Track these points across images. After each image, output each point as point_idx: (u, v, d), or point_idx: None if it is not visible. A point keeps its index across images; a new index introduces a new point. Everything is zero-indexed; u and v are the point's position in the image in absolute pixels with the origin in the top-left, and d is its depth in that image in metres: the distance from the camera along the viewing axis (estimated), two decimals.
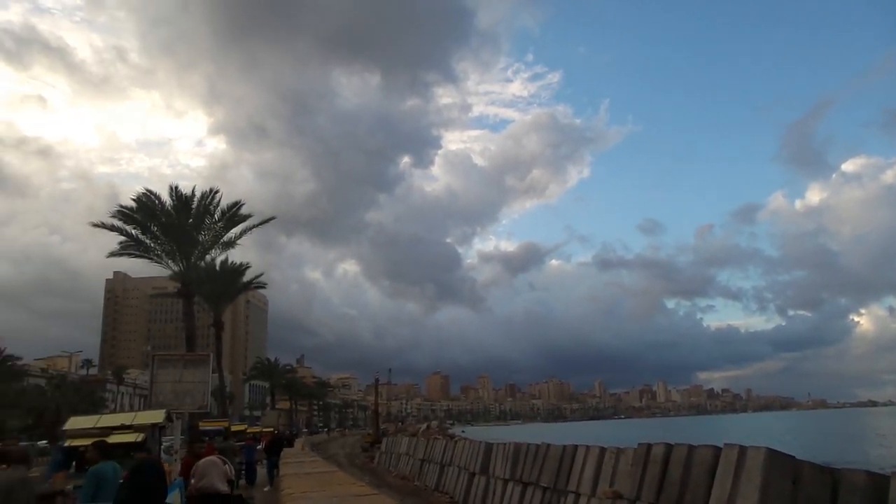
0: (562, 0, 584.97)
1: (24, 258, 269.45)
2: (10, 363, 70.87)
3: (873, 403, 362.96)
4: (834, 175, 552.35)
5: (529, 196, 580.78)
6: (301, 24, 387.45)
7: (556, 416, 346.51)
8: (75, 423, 11.20)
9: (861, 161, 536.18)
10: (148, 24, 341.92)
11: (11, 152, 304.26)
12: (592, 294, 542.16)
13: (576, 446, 12.61)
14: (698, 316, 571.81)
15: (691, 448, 9.34)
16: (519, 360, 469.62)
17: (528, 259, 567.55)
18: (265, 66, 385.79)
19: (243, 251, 50.98)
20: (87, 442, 10.09)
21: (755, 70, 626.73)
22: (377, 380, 68.45)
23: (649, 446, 10.11)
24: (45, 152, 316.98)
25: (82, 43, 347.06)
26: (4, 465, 7.71)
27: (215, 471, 3.60)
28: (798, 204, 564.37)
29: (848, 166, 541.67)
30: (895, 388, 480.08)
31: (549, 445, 13.70)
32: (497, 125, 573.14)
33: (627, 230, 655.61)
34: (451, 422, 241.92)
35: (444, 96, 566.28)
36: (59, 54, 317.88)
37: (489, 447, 17.19)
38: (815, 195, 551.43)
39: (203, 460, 3.96)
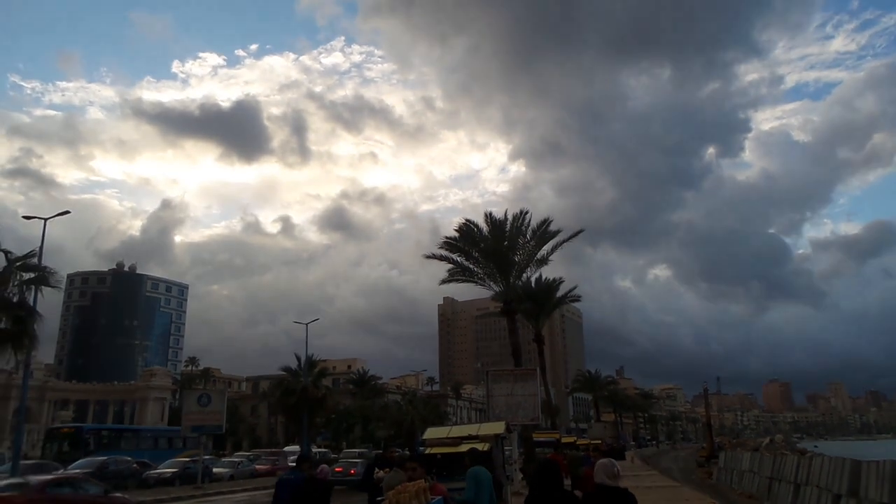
0: None
1: (374, 291, 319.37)
2: (373, 382, 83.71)
3: None
4: None
5: (872, 166, 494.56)
6: (583, 35, 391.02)
7: None
8: (432, 433, 12.64)
9: None
10: (447, 72, 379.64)
11: (356, 204, 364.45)
12: None
13: None
14: None
15: None
16: (882, 363, 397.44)
17: (880, 241, 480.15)
18: (552, 85, 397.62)
19: (553, 266, 52.89)
20: (443, 450, 11.31)
21: None
22: (706, 389, 64.17)
23: None
24: (379, 200, 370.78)
25: (398, 101, 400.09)
26: (387, 469, 9.15)
27: (612, 469, 4.61)
28: None
29: None
30: None
31: None
32: (819, 92, 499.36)
33: None
34: (798, 435, 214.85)
35: (748, 73, 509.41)
36: (382, 115, 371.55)
37: (857, 465, 14.72)
38: None
39: (603, 461, 4.95)
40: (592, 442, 44.94)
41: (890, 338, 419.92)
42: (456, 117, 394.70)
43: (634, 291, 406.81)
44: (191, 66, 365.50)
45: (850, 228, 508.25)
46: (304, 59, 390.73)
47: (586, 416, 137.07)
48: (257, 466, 40.51)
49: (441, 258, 31.48)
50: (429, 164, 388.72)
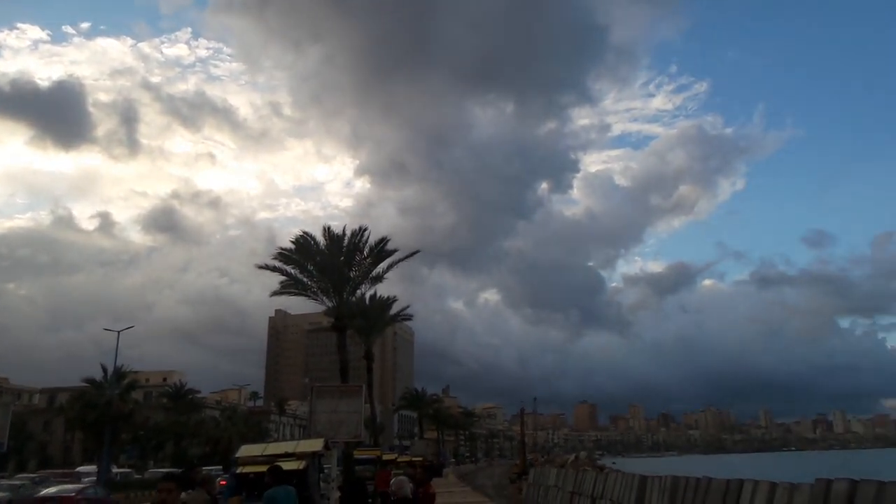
0: (705, 6, 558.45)
1: (200, 300, 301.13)
2: (190, 396, 78.45)
3: None
4: None
5: (676, 214, 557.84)
6: (436, 61, 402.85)
7: (715, 447, 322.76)
8: (245, 451, 12.10)
9: None
10: (298, 80, 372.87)
11: (189, 205, 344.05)
12: (752, 315, 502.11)
13: (741, 480, 11.63)
14: (880, 336, 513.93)
15: (881, 485, 8.29)
16: (673, 388, 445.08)
17: (678, 280, 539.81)
18: (403, 106, 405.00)
19: (389, 285, 53.33)
20: (257, 469, 10.87)
21: None
22: (522, 409, 67.90)
23: (829, 482, 9.10)
24: (214, 203, 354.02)
25: (244, 102, 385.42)
26: (189, 490, 8.57)
27: (407, 486, 5.08)
28: None
29: None
30: None
31: (711, 479, 12.74)
32: (639, 142, 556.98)
33: (790, 243, 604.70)
34: (600, 452, 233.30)
35: (581, 117, 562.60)
36: (225, 115, 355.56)
37: (644, 480, 16.29)
38: None
39: (398, 478, 5.51)
40: (413, 459, 45.49)
41: (680, 367, 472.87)
42: (304, 126, 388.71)
43: (466, 313, 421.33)
44: (5, 37, 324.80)
45: (656, 267, 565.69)
46: (143, 46, 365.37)
47: (411, 434, 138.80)
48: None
49: (274, 269, 30.52)
50: (271, 171, 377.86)
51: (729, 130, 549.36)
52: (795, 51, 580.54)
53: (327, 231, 30.87)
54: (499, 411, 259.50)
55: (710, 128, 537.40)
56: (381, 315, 44.83)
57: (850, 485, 8.71)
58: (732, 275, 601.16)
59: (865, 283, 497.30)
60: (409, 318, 51.90)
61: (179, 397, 76.29)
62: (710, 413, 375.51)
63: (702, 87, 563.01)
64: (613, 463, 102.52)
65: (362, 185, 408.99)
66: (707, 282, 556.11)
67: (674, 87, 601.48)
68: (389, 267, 31.55)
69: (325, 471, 19.20)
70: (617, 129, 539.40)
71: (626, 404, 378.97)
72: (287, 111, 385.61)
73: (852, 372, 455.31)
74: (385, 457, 32.72)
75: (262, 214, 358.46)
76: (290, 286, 31.02)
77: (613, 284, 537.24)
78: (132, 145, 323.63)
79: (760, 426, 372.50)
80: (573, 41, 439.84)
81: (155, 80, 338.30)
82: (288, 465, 10.34)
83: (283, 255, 30.47)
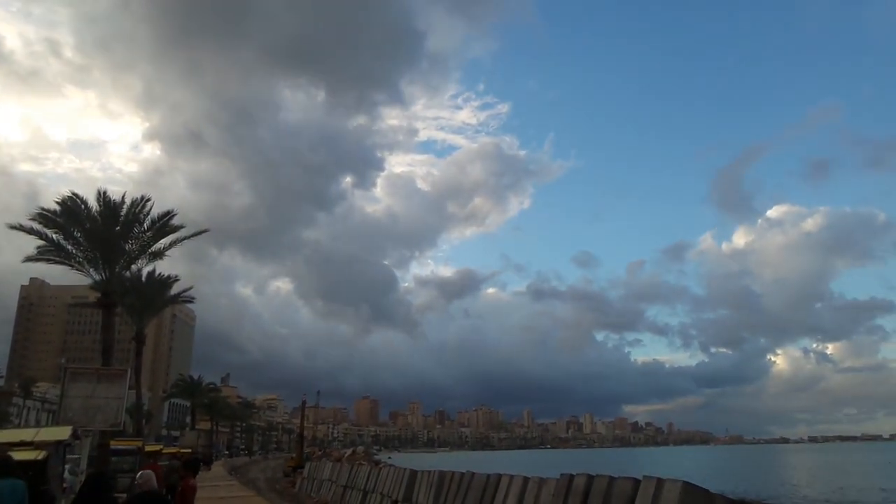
0: (514, 34, 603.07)
1: None
2: None
3: (785, 440, 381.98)
4: (759, 220, 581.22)
5: (469, 223, 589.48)
6: (248, 32, 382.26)
7: (483, 444, 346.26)
8: None
9: (784, 208, 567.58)
10: (85, 20, 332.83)
11: None
12: (525, 323, 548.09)
13: (500, 475, 12.61)
14: (626, 350, 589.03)
15: (611, 480, 9.47)
16: (451, 387, 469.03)
17: (465, 286, 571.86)
18: (206, 72, 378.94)
19: (172, 262, 49.40)
20: None
21: (692, 115, 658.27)
22: (304, 402, 66.86)
23: (571, 477, 10.20)
24: None
25: (14, 33, 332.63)
26: None
27: (153, 479, 4.97)
28: (725, 246, 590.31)
29: (772, 213, 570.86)
30: (807, 426, 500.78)
31: (473, 474, 13.63)
32: (443, 151, 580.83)
33: (562, 262, 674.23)
34: (377, 448, 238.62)
35: (391, 118, 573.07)
36: None
37: (413, 475, 16.97)
38: (741, 238, 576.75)
39: (144, 471, 5.25)
40: (182, 450, 42.70)
41: (459, 367, 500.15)
42: (87, 74, 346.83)
43: (254, 300, 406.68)
44: None
45: (446, 271, 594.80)
46: None
47: (182, 424, 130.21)
48: None
49: (31, 231, 26.63)
50: (42, 118, 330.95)
51: (522, 153, 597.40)
52: (583, 91, 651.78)
53: (103, 196, 27.65)
54: (280, 403, 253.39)
55: (507, 148, 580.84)
56: (158, 294, 41.27)
57: (588, 479, 9.87)
58: (512, 285, 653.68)
59: (619, 303, 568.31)
60: (191, 300, 48.36)
61: None
62: (481, 412, 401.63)
63: (504, 108, 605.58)
64: (389, 458, 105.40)
65: (152, 150, 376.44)
66: (490, 290, 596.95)
67: (479, 103, 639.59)
68: (173, 243, 29.23)
69: (78, 462, 17.32)
70: (424, 134, 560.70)
71: (407, 401, 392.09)
72: (68, 53, 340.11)
73: (601, 380, 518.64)
74: (149, 448, 30.29)
75: (24, 166, 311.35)
76: (50, 253, 27.33)
77: (405, 284, 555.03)
78: None
79: (523, 425, 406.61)
80: (391, 40, 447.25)
81: None
82: (22, 456, 9.11)
83: (45, 217, 26.71)
